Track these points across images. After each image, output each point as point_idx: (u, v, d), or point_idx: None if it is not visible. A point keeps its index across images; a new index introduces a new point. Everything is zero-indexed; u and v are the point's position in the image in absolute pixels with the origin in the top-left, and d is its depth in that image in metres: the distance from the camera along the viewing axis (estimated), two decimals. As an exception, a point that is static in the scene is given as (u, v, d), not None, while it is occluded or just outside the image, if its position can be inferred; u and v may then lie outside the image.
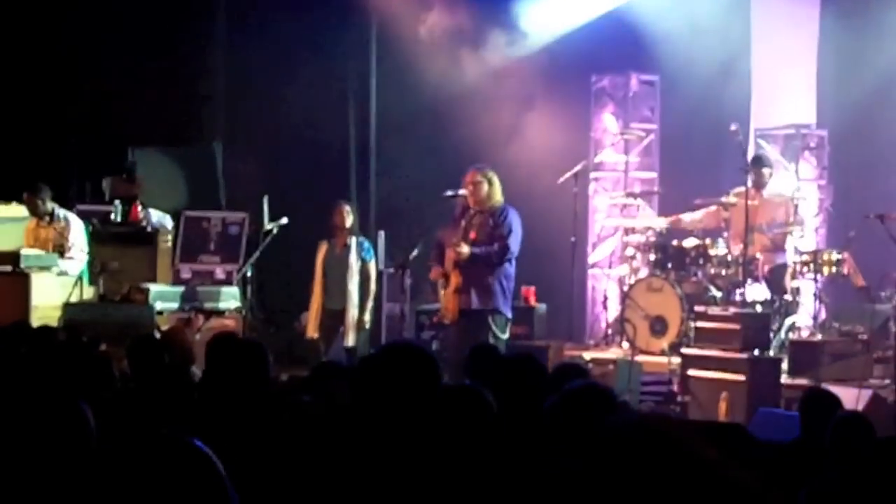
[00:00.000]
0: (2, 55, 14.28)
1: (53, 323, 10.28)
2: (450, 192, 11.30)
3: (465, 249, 10.93)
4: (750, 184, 13.17)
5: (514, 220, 11.19)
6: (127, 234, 13.09)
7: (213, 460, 2.16)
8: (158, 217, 13.57)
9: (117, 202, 13.18)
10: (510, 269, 11.29)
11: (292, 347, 13.03)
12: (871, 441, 6.05)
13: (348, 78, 15.41)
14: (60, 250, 12.34)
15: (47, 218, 12.52)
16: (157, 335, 8.91)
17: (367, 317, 12.43)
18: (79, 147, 14.88)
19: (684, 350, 12.41)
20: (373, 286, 12.51)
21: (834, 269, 13.25)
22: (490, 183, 11.24)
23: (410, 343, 5.43)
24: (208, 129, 15.44)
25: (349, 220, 12.46)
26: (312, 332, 12.49)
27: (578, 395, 5.06)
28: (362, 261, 12.46)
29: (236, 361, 5.95)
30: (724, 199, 13.37)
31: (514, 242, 11.14)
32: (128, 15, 14.64)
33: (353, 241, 12.47)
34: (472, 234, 11.17)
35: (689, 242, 13.47)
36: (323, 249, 12.58)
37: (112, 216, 13.29)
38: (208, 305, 12.33)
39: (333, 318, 12.43)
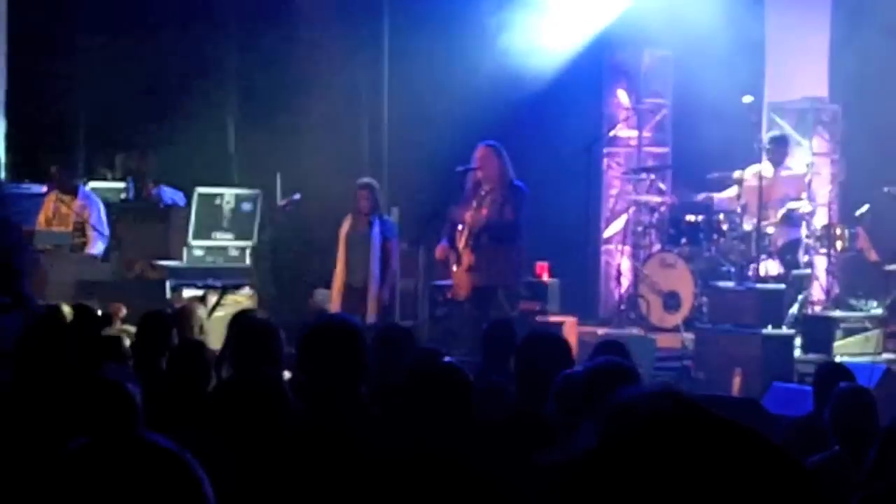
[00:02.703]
0: (16, 30, 14.28)
1: (68, 301, 10.30)
2: (461, 168, 11.31)
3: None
4: (767, 160, 13.16)
5: (523, 195, 11.20)
6: (140, 211, 13.13)
7: (187, 464, 2.14)
8: (171, 194, 13.61)
9: (130, 179, 13.22)
10: (521, 244, 11.30)
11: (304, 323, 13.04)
12: (870, 414, 6.05)
13: (361, 52, 15.37)
14: (79, 227, 12.36)
15: (71, 194, 12.54)
16: (170, 312, 8.91)
17: (387, 294, 12.42)
18: (90, 124, 14.88)
19: (698, 325, 12.42)
20: (395, 264, 12.48)
21: (847, 243, 13.25)
22: (501, 159, 11.25)
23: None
24: (221, 105, 15.44)
25: (368, 201, 12.41)
26: (335, 308, 12.49)
27: (601, 372, 5.09)
28: (384, 238, 12.43)
29: (255, 342, 6.00)
30: (737, 175, 13.36)
31: (523, 222, 11.16)
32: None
33: (376, 218, 12.43)
34: (484, 210, 11.19)
35: (702, 217, 13.46)
36: (347, 225, 12.50)
37: (124, 194, 13.34)
38: (221, 282, 12.36)
39: (354, 295, 12.40)
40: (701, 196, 13.71)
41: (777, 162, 13.40)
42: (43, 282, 11.40)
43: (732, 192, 13.61)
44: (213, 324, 9.48)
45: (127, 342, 8.13)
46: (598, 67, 15.83)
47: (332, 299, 12.54)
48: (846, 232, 13.32)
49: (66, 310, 8.43)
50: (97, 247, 12.36)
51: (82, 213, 12.40)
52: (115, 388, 4.10)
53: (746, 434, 1.76)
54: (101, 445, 2.10)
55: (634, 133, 15.42)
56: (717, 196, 13.66)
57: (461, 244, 11.20)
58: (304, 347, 4.80)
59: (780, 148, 13.48)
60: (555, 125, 14.46)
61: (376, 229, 12.38)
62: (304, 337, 4.83)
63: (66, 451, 2.08)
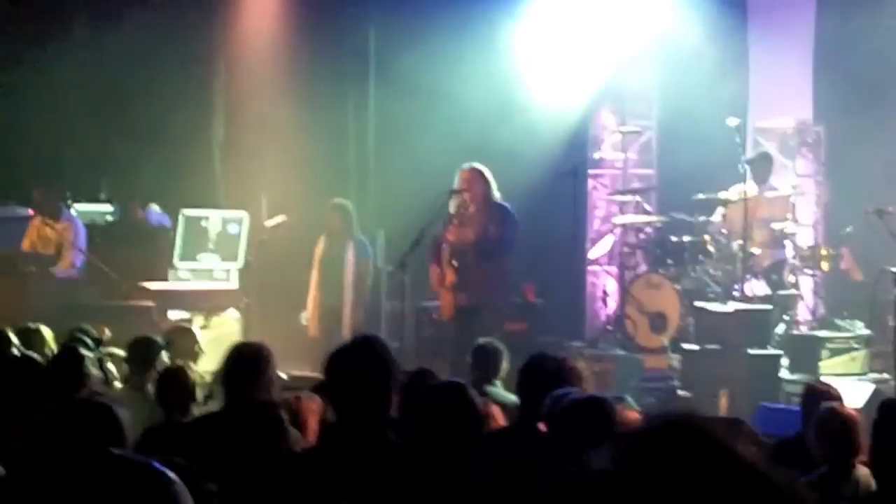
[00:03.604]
0: (3, 49, 14.29)
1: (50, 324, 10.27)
2: (447, 191, 11.32)
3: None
4: (751, 180, 13.19)
5: (510, 217, 11.22)
6: (126, 233, 13.11)
7: (172, 484, 2.13)
8: (157, 216, 13.59)
9: (115, 202, 13.20)
10: (507, 265, 11.31)
11: (294, 345, 13.02)
12: (849, 435, 6.05)
13: (347, 76, 15.39)
14: (60, 250, 12.34)
15: (55, 218, 12.52)
16: (159, 335, 8.89)
17: (363, 315, 12.47)
18: (78, 145, 14.86)
19: (684, 346, 12.42)
20: (368, 283, 12.57)
21: (832, 264, 13.28)
22: (486, 180, 11.28)
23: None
24: (207, 127, 15.43)
25: (340, 222, 12.51)
26: (313, 330, 12.51)
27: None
28: (359, 259, 12.49)
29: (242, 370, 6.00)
30: (723, 196, 13.38)
31: (511, 239, 11.17)
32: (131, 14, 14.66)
33: (350, 238, 12.50)
34: (468, 232, 11.20)
35: (688, 238, 13.47)
36: (321, 246, 12.61)
37: (110, 216, 13.31)
38: (208, 304, 12.34)
39: (330, 315, 12.45)
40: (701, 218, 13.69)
41: (761, 180, 13.43)
42: (26, 304, 11.37)
43: (720, 213, 13.63)
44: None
45: (110, 365, 8.11)
46: (585, 90, 15.85)
47: (310, 319, 12.57)
48: (831, 252, 13.35)
49: (48, 333, 8.41)
50: (72, 264, 12.30)
51: (64, 235, 12.38)
52: (100, 410, 4.08)
53: (749, 462, 1.80)
54: (73, 462, 2.09)
55: (620, 155, 15.44)
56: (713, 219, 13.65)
57: (445, 263, 11.22)
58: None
59: (763, 165, 13.50)
60: (540, 147, 14.46)
61: (350, 250, 12.44)
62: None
63: (39, 468, 2.08)
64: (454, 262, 11.19)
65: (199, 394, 6.73)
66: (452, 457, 4.55)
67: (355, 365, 4.67)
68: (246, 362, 6.05)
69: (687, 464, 1.78)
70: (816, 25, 14.92)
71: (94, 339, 7.90)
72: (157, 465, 2.39)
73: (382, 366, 4.70)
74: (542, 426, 5.61)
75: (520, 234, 11.46)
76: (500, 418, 6.53)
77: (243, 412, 4.75)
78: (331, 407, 4.92)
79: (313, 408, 6.36)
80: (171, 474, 2.36)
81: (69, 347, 7.21)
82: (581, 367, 7.02)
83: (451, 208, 11.38)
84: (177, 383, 6.66)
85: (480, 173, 11.31)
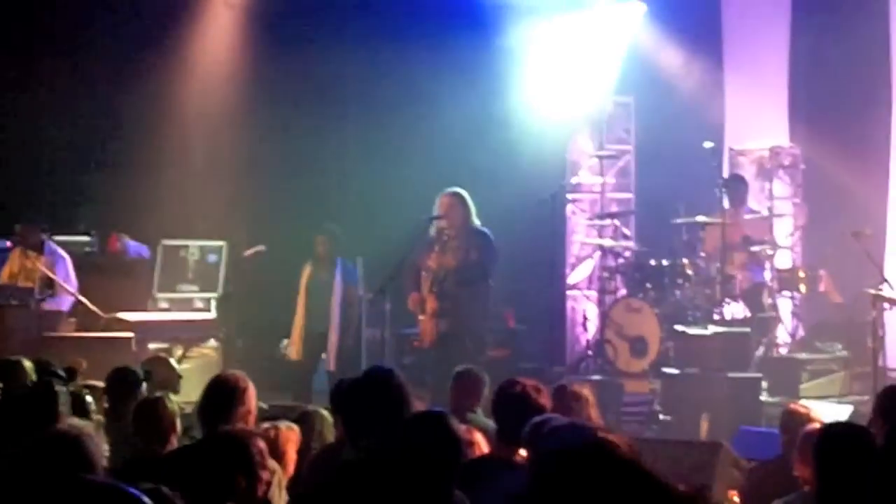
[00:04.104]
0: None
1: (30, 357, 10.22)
2: (426, 217, 11.32)
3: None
4: (727, 203, 13.23)
5: (490, 243, 11.22)
6: (104, 264, 13.07)
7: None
8: (136, 246, 13.56)
9: (93, 233, 13.17)
10: (488, 291, 11.31)
11: (274, 374, 13.01)
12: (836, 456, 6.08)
13: (325, 103, 15.39)
14: (45, 284, 12.27)
15: (37, 250, 12.46)
16: (138, 366, 8.87)
17: (350, 341, 12.44)
18: (55, 177, 14.83)
19: (664, 370, 12.43)
20: (356, 309, 12.53)
21: (811, 286, 13.32)
22: (466, 206, 11.27)
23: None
24: (185, 156, 15.42)
25: (327, 248, 12.50)
26: (295, 354, 12.49)
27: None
28: (346, 284, 12.49)
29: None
30: (701, 219, 13.42)
31: (491, 265, 11.18)
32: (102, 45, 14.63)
33: (337, 264, 12.50)
34: (449, 258, 11.19)
35: (666, 261, 13.50)
36: (307, 271, 12.59)
37: (89, 248, 13.27)
38: (188, 335, 12.31)
39: (316, 342, 12.43)
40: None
41: (737, 202, 13.48)
42: (5, 336, 11.32)
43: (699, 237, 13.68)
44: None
45: (89, 397, 8.08)
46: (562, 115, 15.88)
47: (293, 344, 12.55)
48: (810, 274, 13.40)
49: (28, 365, 8.37)
50: (65, 303, 12.27)
51: (49, 269, 12.32)
52: (70, 440, 4.08)
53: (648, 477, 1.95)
54: (45, 488, 2.11)
55: (598, 179, 15.48)
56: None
57: (426, 290, 11.21)
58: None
59: (738, 187, 13.55)
60: (519, 172, 14.49)
61: (338, 275, 12.43)
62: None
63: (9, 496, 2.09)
64: (435, 289, 11.18)
65: (179, 425, 6.71)
66: (435, 485, 4.56)
67: (368, 402, 4.79)
68: (223, 394, 6.05)
69: (597, 479, 1.94)
70: (791, 49, 15.01)
71: (66, 371, 7.86)
72: (125, 486, 2.40)
73: (398, 404, 4.82)
74: (521, 452, 5.62)
75: (500, 260, 11.47)
76: (483, 445, 6.52)
77: (218, 444, 4.76)
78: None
79: (292, 438, 6.36)
80: (144, 497, 2.37)
81: (43, 381, 7.18)
82: (579, 391, 7.08)
83: (432, 234, 11.37)
84: (155, 415, 6.64)
85: (461, 199, 11.29)
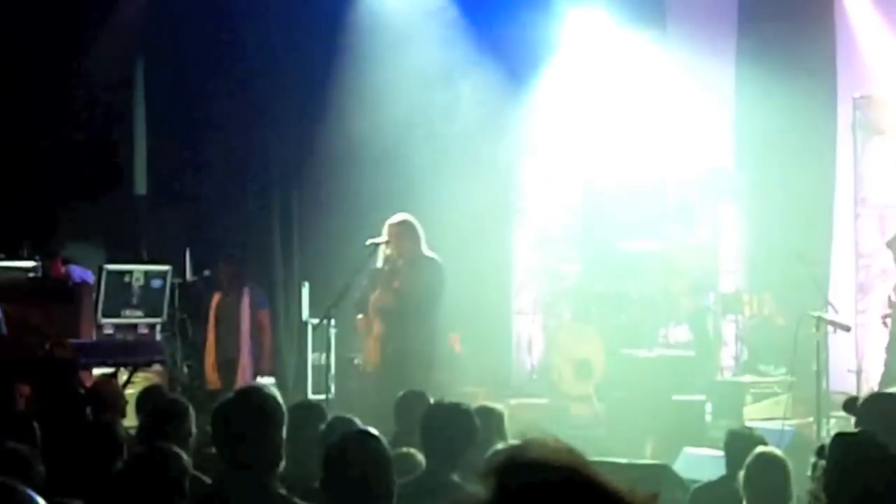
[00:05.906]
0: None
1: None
2: (372, 241, 11.28)
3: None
4: (673, 228, 13.33)
5: (437, 268, 11.20)
6: (49, 290, 12.95)
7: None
8: (80, 271, 13.45)
9: (37, 258, 13.06)
10: (435, 316, 11.29)
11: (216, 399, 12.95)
12: (784, 477, 6.15)
13: (269, 128, 15.33)
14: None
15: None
16: (81, 391, 8.81)
17: (267, 364, 12.58)
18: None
19: (609, 392, 12.48)
20: (269, 334, 12.71)
21: (755, 309, 13.42)
22: (415, 232, 11.25)
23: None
24: (130, 180, 15.34)
25: (228, 278, 12.69)
26: (214, 383, 12.57)
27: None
28: (256, 309, 12.64)
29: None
30: (645, 244, 13.50)
31: (439, 290, 11.16)
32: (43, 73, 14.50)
33: (245, 290, 12.62)
34: (396, 283, 11.17)
35: (613, 285, 13.56)
36: (216, 299, 12.74)
37: (32, 273, 13.16)
38: (132, 360, 12.22)
39: (230, 368, 12.55)
40: None
41: (683, 230, 13.58)
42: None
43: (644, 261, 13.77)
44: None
45: (36, 423, 8.00)
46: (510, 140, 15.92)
47: (208, 373, 12.63)
48: (753, 298, 13.49)
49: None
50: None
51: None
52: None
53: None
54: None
55: (545, 204, 15.51)
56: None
57: (372, 314, 11.19)
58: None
59: (683, 216, 13.64)
60: (465, 197, 14.51)
61: (245, 301, 12.55)
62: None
63: None
64: (381, 313, 11.15)
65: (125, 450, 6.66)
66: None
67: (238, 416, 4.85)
68: (161, 417, 6.09)
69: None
70: (737, 75, 15.12)
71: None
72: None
73: (269, 414, 4.93)
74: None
75: (447, 285, 11.46)
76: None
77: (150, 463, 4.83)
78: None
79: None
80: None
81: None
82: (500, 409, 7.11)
83: (379, 260, 11.34)
84: (100, 439, 6.58)
85: (409, 226, 11.23)
